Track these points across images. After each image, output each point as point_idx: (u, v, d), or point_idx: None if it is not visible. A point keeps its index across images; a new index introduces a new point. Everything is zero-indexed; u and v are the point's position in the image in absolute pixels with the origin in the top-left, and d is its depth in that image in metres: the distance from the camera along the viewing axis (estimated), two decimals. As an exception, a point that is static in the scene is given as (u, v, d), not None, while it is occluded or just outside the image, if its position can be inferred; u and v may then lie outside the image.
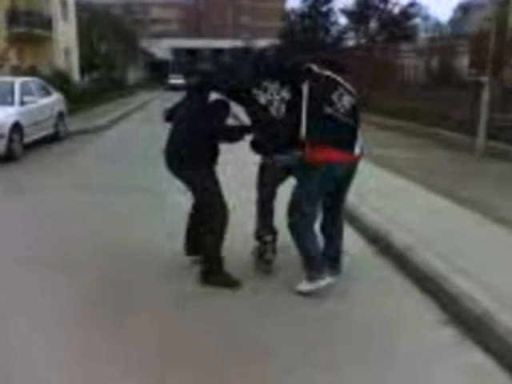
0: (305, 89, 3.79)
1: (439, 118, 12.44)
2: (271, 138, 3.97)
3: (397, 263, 4.65)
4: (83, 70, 31.83)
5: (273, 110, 3.80)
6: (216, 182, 4.21)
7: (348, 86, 3.93)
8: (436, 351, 3.28)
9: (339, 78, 3.91)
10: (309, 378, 3.03)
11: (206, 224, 4.19)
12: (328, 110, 3.77)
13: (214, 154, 4.24)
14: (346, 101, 3.85)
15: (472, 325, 3.47)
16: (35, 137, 11.20)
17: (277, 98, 3.80)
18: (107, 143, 12.88)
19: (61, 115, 12.98)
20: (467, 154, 10.19)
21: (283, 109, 3.81)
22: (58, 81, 19.63)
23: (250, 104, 3.93)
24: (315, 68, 3.91)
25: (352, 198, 6.15)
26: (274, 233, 4.56)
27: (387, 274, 4.52)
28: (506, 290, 3.67)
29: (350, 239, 5.04)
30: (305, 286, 4.03)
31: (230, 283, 4.18)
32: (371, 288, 4.24)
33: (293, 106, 3.79)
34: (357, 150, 3.96)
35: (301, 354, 3.26)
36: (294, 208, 4.00)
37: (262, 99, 3.81)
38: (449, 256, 4.35)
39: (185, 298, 4.01)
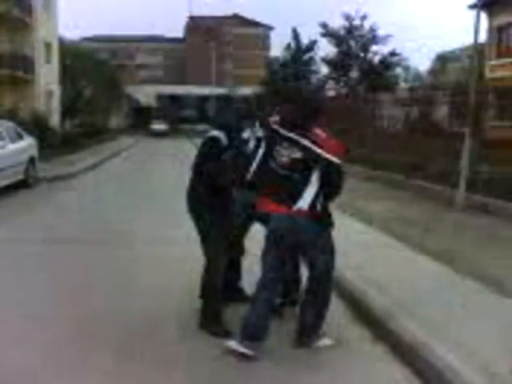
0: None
1: (419, 169, 12.29)
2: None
3: (375, 330, 4.27)
4: (64, 114, 31.61)
5: (247, 147, 4.00)
6: (219, 230, 4.15)
7: (298, 138, 3.76)
8: None
9: (285, 132, 3.82)
10: None
11: (206, 268, 4.26)
12: (272, 164, 3.83)
13: (220, 198, 4.17)
14: (286, 153, 3.77)
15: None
16: (1, 183, 10.76)
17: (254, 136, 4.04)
18: (78, 191, 12.47)
19: (32, 161, 12.59)
20: (447, 205, 9.97)
21: (252, 145, 4.02)
22: (35, 125, 19.33)
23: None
24: (272, 122, 3.97)
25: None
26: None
27: (363, 343, 4.12)
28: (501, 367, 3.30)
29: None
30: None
31: (221, 333, 4.08)
32: (342, 359, 3.84)
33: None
34: (301, 205, 3.72)
35: None
36: None
37: (245, 135, 4.09)
38: (433, 323, 4.01)
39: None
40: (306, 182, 3.76)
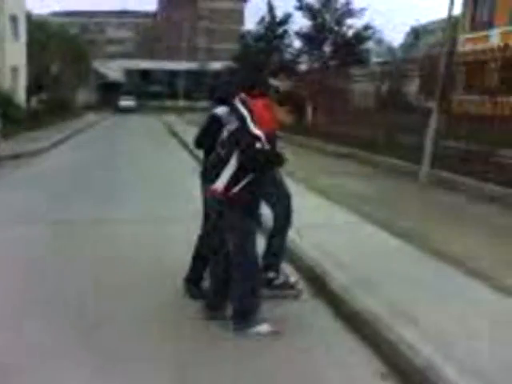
0: None
1: (387, 144, 12.21)
2: None
3: (333, 306, 4.21)
4: (30, 91, 30.78)
5: None
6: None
7: (238, 105, 3.59)
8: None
9: (236, 102, 3.62)
10: None
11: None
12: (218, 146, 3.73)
13: None
14: (228, 127, 3.62)
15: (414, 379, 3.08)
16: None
17: None
18: (42, 169, 12.17)
19: (-7, 139, 12.22)
20: (412, 182, 9.93)
21: None
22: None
23: None
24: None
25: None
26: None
27: (322, 319, 4.06)
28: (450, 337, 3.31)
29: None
30: None
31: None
32: (301, 334, 3.78)
33: None
34: (218, 184, 3.56)
35: None
36: None
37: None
38: (390, 299, 3.96)
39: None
40: (228, 159, 3.56)
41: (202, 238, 4.36)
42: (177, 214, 7.31)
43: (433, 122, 9.92)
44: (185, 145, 16.40)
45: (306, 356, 3.48)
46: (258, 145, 3.43)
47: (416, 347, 3.24)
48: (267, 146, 3.49)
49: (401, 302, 3.95)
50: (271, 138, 3.55)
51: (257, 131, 3.45)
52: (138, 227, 6.78)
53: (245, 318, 3.75)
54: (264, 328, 3.75)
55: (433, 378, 2.96)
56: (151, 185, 10.09)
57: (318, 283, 4.59)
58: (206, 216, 4.18)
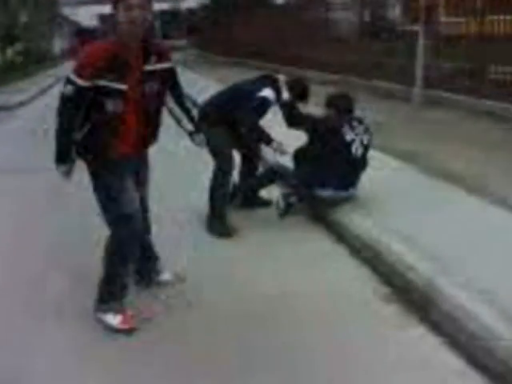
0: None
1: (376, 69, 12.23)
2: None
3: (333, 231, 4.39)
4: (3, 42, 29.83)
5: None
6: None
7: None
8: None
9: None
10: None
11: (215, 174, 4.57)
12: None
13: None
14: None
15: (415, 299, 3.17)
16: None
17: None
18: (20, 122, 11.91)
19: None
20: (406, 103, 10.07)
21: None
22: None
23: None
24: None
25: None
26: None
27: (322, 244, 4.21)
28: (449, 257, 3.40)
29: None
30: None
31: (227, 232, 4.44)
32: (305, 259, 3.92)
33: None
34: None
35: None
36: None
37: None
38: (384, 217, 4.14)
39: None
40: None
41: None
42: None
43: (420, 44, 9.99)
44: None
45: (308, 281, 3.56)
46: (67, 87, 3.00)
47: (416, 267, 3.30)
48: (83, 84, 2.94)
49: (400, 221, 4.02)
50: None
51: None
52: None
53: (103, 301, 3.16)
54: (116, 321, 3.09)
55: (434, 296, 3.02)
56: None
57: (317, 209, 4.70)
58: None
